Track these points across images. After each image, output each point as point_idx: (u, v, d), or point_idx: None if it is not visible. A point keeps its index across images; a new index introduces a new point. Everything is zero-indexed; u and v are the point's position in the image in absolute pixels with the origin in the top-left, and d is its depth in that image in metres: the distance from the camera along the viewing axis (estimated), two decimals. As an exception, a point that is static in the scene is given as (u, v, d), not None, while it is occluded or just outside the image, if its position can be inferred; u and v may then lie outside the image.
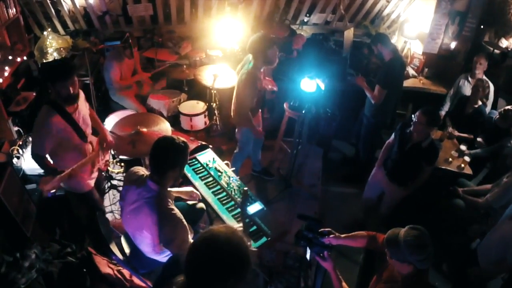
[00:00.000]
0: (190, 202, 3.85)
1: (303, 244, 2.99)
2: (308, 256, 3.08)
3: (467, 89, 5.76)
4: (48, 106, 3.33)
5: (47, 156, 3.51)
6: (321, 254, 2.89)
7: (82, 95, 3.67)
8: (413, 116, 3.99)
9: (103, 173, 4.35)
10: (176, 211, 2.80)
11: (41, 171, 3.90)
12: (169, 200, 2.85)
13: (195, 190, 3.63)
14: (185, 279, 1.87)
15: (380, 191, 4.70)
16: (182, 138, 2.81)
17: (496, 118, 4.99)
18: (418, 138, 4.00)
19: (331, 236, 2.98)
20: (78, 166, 3.46)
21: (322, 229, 3.00)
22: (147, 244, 2.98)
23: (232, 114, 4.67)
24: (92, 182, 3.89)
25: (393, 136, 4.42)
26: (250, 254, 1.91)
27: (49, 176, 3.30)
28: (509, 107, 4.86)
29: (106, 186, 4.92)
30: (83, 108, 3.67)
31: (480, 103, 5.36)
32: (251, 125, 4.50)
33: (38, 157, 3.41)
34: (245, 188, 3.52)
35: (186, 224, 2.84)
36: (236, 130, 4.81)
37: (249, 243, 1.98)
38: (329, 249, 2.90)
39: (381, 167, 4.56)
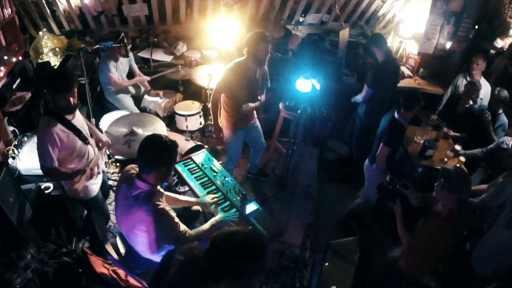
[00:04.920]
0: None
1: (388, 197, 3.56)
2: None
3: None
4: (47, 117, 3.27)
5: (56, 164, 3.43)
6: (394, 200, 3.47)
7: None
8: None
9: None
10: (164, 206, 2.78)
11: (36, 171, 3.85)
12: (159, 198, 2.83)
13: (210, 200, 3.51)
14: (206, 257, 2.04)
15: None
16: (170, 137, 2.79)
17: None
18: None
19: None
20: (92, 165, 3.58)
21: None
22: (141, 243, 2.98)
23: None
24: (97, 187, 3.86)
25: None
26: (263, 251, 2.04)
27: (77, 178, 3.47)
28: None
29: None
30: (77, 112, 3.61)
31: (471, 102, 5.39)
32: (215, 116, 4.54)
33: (48, 170, 3.35)
34: (244, 193, 3.51)
35: (176, 218, 2.84)
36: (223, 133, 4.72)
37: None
38: (401, 197, 3.47)
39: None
